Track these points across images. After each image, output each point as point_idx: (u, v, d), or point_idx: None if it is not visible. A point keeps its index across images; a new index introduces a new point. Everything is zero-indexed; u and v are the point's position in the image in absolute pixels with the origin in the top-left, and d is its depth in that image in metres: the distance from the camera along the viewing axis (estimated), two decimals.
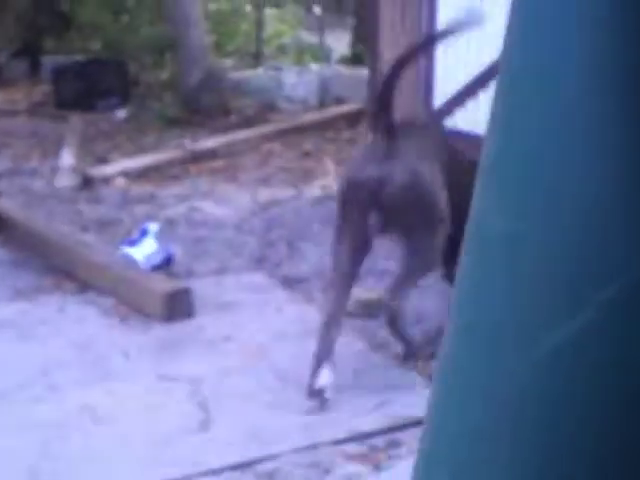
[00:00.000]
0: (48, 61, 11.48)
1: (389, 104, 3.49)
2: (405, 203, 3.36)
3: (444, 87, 6.07)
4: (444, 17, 6.02)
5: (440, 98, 6.06)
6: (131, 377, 3.83)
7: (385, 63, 6.74)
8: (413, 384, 3.69)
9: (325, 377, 3.38)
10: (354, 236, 3.42)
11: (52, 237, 5.10)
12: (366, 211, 3.36)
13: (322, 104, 9.35)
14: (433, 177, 3.46)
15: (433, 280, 4.62)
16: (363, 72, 10.09)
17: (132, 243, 4.88)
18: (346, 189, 3.48)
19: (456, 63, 5.97)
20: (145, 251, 4.85)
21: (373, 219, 3.38)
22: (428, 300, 4.52)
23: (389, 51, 6.72)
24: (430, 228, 3.44)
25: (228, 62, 10.68)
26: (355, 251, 3.46)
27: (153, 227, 4.97)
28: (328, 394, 3.38)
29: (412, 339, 3.76)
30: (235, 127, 8.34)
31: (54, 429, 3.40)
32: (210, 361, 3.94)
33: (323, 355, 3.41)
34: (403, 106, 6.30)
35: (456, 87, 5.92)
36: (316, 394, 3.36)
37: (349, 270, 3.48)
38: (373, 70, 6.88)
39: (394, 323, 3.64)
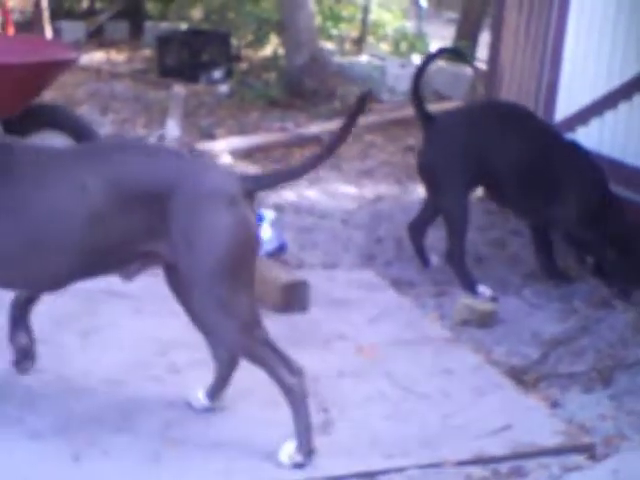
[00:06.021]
0: (149, 26, 11.52)
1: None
2: None
3: (568, 95, 5.97)
4: (574, 25, 5.92)
5: (563, 106, 5.97)
6: (248, 367, 3.81)
7: (504, 67, 6.66)
8: (533, 408, 3.64)
9: None
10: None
11: None
12: None
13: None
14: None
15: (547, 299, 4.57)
16: (464, 69, 10.00)
17: None
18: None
19: (583, 72, 5.85)
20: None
21: None
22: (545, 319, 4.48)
23: (509, 55, 6.63)
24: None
25: (329, 46, 10.61)
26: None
27: (269, 214, 4.96)
28: None
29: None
30: (337, 114, 8.29)
31: (175, 412, 3.40)
32: (326, 359, 3.92)
33: None
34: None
35: (580, 97, 5.83)
36: None
37: None
38: (492, 71, 6.79)
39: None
